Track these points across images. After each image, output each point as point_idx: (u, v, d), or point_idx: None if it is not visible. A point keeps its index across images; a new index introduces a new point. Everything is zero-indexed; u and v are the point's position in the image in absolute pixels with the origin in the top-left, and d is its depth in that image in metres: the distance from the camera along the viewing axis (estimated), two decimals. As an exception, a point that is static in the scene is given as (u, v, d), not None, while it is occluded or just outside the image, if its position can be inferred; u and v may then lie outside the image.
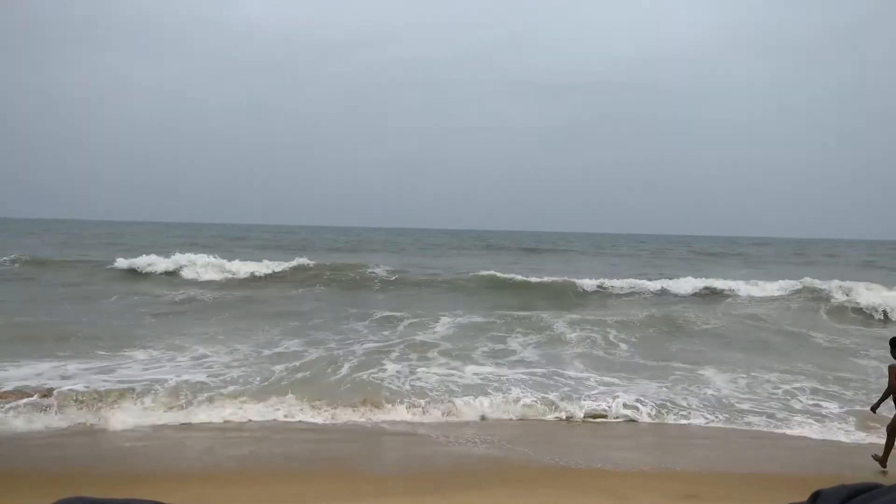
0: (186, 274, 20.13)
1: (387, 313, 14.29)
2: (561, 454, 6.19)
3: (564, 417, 7.57)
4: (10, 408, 6.91)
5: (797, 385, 9.17)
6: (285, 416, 7.25)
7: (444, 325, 13.06)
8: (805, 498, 0.90)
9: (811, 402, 8.39)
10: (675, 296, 18.96)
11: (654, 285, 19.69)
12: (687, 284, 19.78)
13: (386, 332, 12.25)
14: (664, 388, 8.75)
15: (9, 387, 7.57)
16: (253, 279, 20.06)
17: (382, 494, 5.02)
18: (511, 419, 7.55)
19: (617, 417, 7.61)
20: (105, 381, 8.11)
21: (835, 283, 18.81)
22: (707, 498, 5.11)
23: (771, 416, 7.78)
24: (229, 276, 20.14)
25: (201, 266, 20.61)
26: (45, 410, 6.95)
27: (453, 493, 5.05)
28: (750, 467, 6.11)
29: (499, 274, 20.63)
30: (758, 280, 20.29)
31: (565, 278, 20.25)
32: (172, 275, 20.22)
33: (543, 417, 7.59)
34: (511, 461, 6.01)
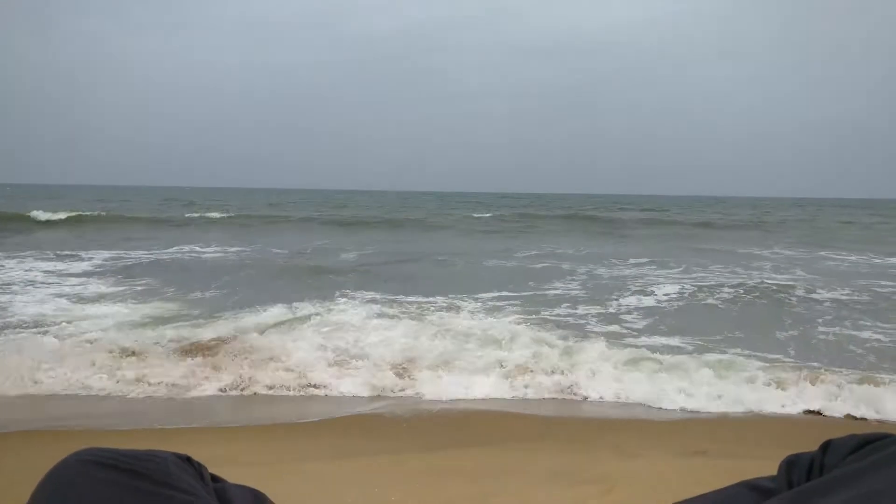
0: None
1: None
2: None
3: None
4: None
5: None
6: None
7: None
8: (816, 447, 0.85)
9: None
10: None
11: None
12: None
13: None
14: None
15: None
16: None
17: (393, 451, 5.02)
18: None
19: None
20: None
21: None
22: (716, 454, 5.07)
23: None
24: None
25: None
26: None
27: (460, 451, 5.04)
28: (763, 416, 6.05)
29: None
30: None
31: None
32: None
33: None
34: (517, 417, 5.99)
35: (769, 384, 6.60)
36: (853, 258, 20.81)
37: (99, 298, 11.28)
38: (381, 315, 9.56)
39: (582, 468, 4.73)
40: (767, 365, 7.32)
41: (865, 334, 9.42)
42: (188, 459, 0.87)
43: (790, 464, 0.87)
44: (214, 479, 0.89)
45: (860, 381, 6.56)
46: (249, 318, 9.28)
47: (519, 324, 9.29)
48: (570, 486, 4.29)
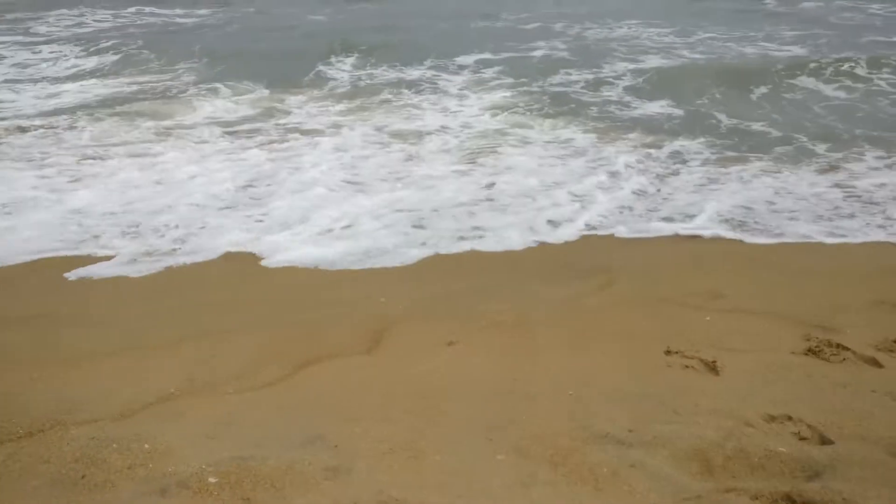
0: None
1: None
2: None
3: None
4: None
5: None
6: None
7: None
8: None
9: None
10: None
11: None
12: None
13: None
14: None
15: None
16: None
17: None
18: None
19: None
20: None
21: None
22: (710, 238, 5.08)
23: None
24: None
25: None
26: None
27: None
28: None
29: None
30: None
31: None
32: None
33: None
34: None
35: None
36: (875, 7, 18.61)
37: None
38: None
39: (581, 259, 4.68)
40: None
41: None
42: None
43: None
44: None
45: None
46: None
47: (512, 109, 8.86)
48: (569, 282, 4.22)
